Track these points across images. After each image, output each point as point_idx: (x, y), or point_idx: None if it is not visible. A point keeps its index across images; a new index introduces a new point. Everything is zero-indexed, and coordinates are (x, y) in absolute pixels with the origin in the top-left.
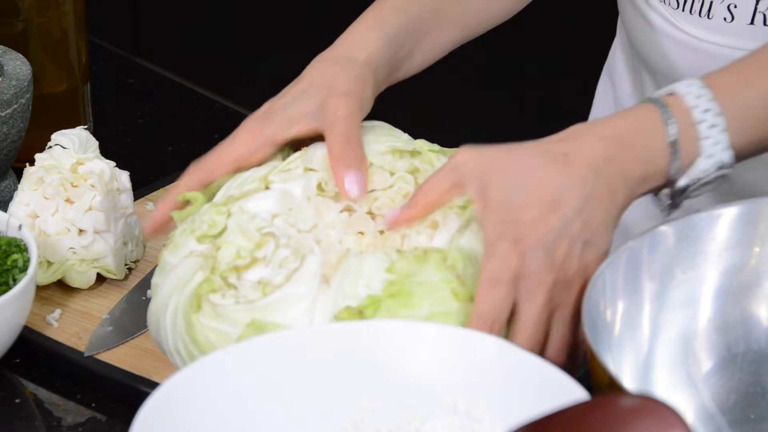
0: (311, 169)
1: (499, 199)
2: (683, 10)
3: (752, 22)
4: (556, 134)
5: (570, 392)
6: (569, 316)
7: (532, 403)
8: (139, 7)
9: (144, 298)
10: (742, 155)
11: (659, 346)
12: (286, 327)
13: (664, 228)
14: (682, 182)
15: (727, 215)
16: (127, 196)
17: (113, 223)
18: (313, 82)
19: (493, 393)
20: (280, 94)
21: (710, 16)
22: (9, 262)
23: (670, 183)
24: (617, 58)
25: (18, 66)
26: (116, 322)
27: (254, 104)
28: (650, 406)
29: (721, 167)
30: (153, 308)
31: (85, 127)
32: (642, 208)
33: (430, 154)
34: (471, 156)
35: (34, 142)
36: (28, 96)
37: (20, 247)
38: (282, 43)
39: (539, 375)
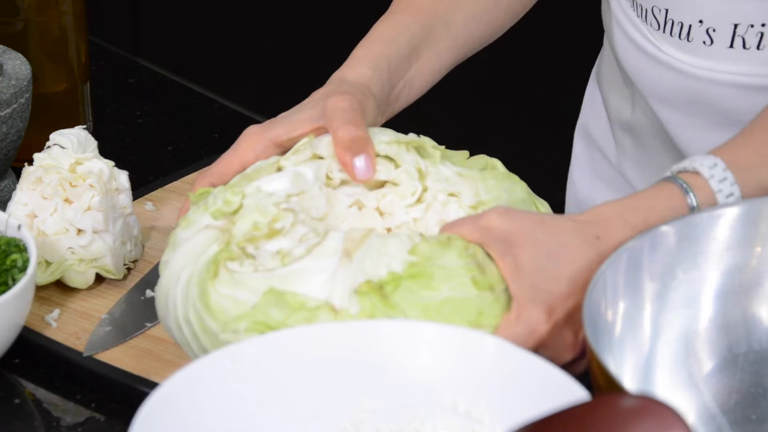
0: (319, 156)
1: (531, 266)
2: (663, 32)
3: (731, 46)
4: (585, 213)
5: (570, 392)
6: None
7: (532, 403)
8: (139, 7)
9: (143, 297)
10: None
11: (660, 347)
12: (305, 297)
13: (665, 228)
14: None
15: (729, 215)
16: (125, 196)
17: (112, 223)
18: (313, 97)
19: (494, 393)
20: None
21: (690, 39)
22: (8, 262)
23: None
24: (603, 68)
25: (17, 65)
26: (115, 322)
27: (254, 104)
28: (651, 406)
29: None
30: (163, 282)
31: (84, 126)
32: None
33: (434, 152)
34: (502, 220)
35: (33, 142)
36: (27, 95)
37: (19, 247)
38: (282, 43)
39: (540, 375)
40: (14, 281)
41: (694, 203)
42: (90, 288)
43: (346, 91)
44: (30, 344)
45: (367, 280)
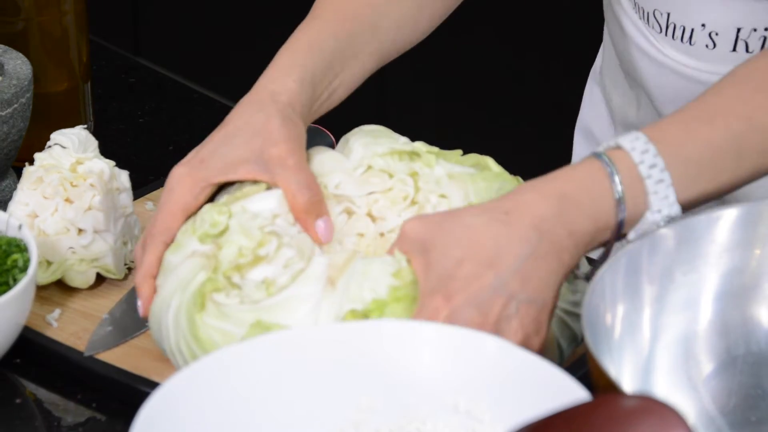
0: None
1: (437, 258)
2: (666, 35)
3: (734, 50)
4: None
5: (571, 393)
6: None
7: (533, 403)
8: (140, 7)
9: None
10: (689, 206)
11: (659, 349)
12: (291, 328)
13: (663, 231)
14: (631, 236)
15: (727, 217)
16: (126, 196)
17: (113, 223)
18: (241, 127)
19: (494, 393)
20: (204, 142)
21: (692, 43)
22: (9, 262)
23: (618, 235)
24: (605, 68)
25: (18, 65)
26: (116, 322)
27: None
28: (652, 406)
29: (669, 220)
30: (155, 308)
31: (85, 126)
32: None
33: (429, 156)
34: (415, 224)
35: (34, 142)
36: (28, 95)
37: (20, 247)
38: (283, 42)
39: (540, 375)
40: (15, 281)
41: (615, 173)
42: (91, 288)
43: (284, 137)
44: (31, 344)
45: (351, 309)
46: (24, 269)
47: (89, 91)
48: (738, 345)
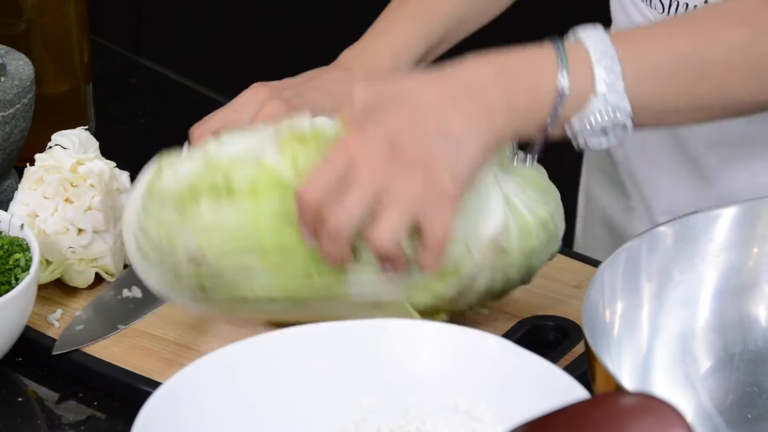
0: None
1: (362, 110)
2: (668, 14)
3: None
4: None
5: (571, 391)
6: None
7: (532, 401)
8: (142, 7)
9: (119, 297)
10: (641, 114)
11: (658, 347)
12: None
13: (662, 228)
14: (575, 123)
15: (725, 216)
16: (127, 197)
17: (112, 223)
18: (331, 78)
19: (494, 392)
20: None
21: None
22: (11, 262)
23: (561, 124)
24: None
25: (20, 66)
26: (89, 320)
27: None
28: (651, 404)
29: (616, 112)
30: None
31: (86, 127)
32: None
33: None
34: (363, 87)
35: (36, 142)
36: (30, 96)
37: (22, 247)
38: (285, 43)
39: (540, 374)
40: (17, 280)
41: (561, 48)
42: (91, 287)
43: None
44: (32, 343)
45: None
46: (26, 268)
47: (91, 91)
48: (735, 343)
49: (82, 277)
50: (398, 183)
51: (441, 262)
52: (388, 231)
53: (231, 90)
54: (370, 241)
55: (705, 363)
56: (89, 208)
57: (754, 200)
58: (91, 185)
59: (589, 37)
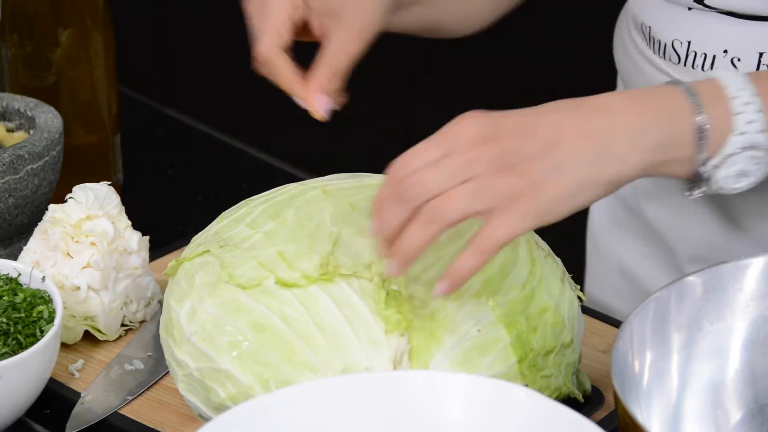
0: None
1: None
2: (685, 65)
3: None
4: None
5: None
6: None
7: None
8: (170, 58)
9: (121, 371)
10: None
11: (687, 397)
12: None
13: (691, 279)
14: (713, 161)
15: (755, 266)
16: (137, 257)
17: (112, 283)
18: None
19: None
20: None
21: (713, 70)
22: (35, 314)
23: (698, 159)
24: None
25: (50, 119)
26: (97, 399)
27: (283, 155)
28: None
29: (752, 148)
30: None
31: (110, 183)
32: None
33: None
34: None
35: (64, 192)
36: (59, 148)
37: (45, 299)
38: None
39: (570, 427)
40: (42, 333)
41: (695, 92)
42: (115, 340)
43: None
44: (55, 396)
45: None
46: (50, 320)
47: (119, 142)
48: (766, 394)
49: (70, 334)
50: (499, 177)
51: (475, 268)
52: (462, 201)
53: (257, 140)
54: (436, 199)
55: (735, 414)
56: (87, 266)
57: None
58: (92, 243)
59: (724, 77)
